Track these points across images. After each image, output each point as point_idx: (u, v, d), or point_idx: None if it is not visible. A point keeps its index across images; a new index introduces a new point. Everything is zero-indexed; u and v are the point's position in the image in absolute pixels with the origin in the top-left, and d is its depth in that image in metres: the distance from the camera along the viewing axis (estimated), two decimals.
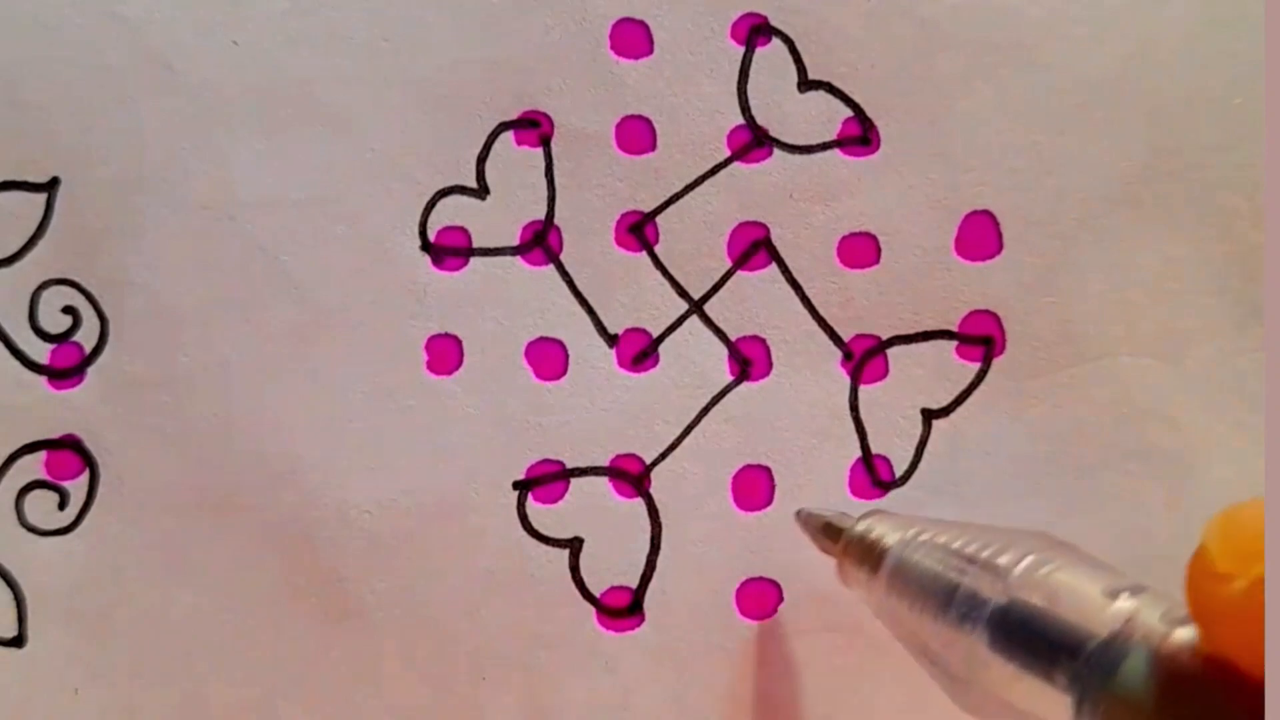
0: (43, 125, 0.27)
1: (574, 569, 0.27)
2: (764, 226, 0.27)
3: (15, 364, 0.27)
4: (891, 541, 0.22)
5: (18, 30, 0.27)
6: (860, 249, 0.27)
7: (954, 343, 0.27)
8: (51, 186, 0.27)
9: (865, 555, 0.23)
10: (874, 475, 0.27)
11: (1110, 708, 0.17)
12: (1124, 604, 0.18)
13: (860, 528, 0.23)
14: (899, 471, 0.27)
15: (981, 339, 0.27)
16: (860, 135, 0.27)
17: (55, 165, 0.27)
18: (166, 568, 0.26)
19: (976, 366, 0.27)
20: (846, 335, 0.27)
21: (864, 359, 0.27)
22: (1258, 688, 0.15)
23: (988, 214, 0.27)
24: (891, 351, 0.27)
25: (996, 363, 0.27)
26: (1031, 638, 0.19)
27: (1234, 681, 0.16)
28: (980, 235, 0.27)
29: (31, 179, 0.27)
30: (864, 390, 0.27)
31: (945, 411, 0.27)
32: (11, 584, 0.26)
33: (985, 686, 0.20)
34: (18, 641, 0.26)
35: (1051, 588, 0.19)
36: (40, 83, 0.27)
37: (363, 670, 0.26)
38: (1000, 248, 0.27)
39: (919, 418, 0.27)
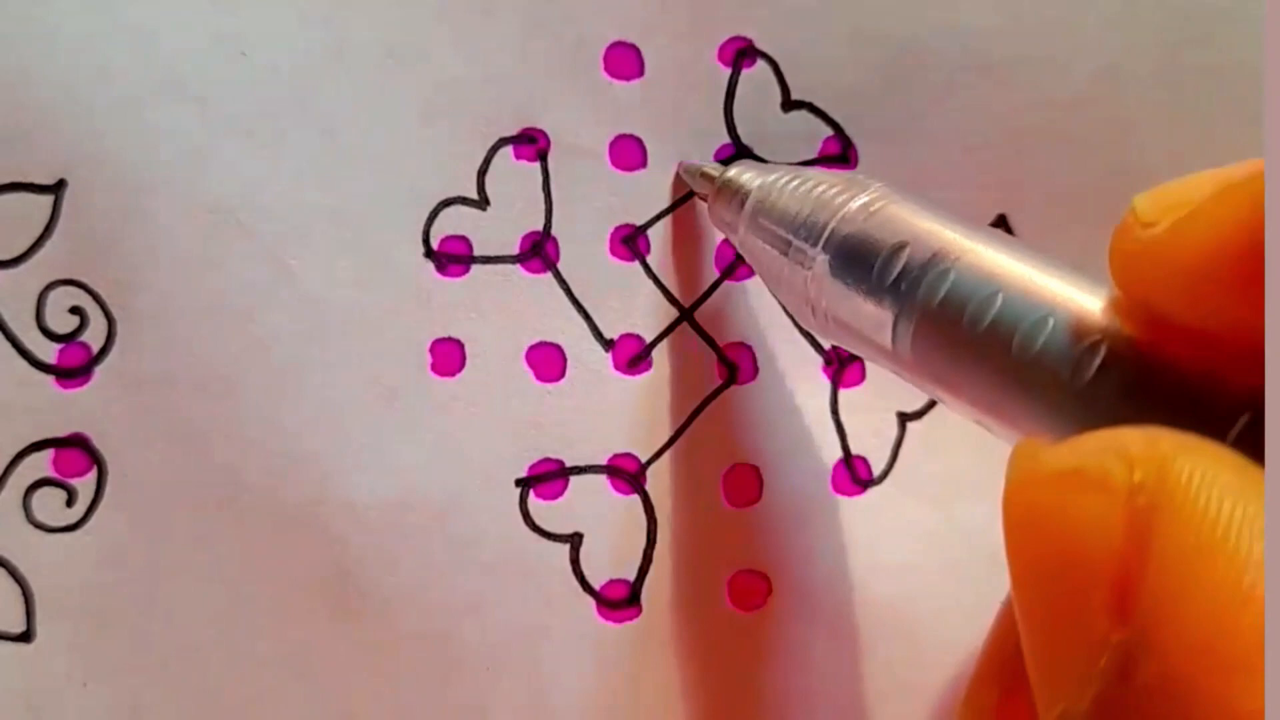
0: (50, 129, 0.27)
1: (574, 562, 0.28)
2: None
3: (23, 363, 0.27)
4: (754, 185, 0.25)
5: (25, 35, 0.27)
6: None
7: None
8: (59, 188, 0.27)
9: (732, 197, 0.26)
10: (854, 474, 0.29)
11: (922, 321, 0.20)
12: (947, 234, 0.20)
13: (730, 173, 0.26)
14: (877, 471, 0.29)
15: None
16: (839, 154, 0.29)
17: (62, 168, 0.27)
18: (173, 564, 0.27)
19: None
20: (827, 343, 0.29)
21: (843, 365, 0.29)
22: (1159, 319, 0.17)
23: None
24: None
25: None
26: (861, 262, 0.21)
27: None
28: None
29: (38, 181, 0.27)
30: (844, 394, 0.29)
31: (919, 415, 0.29)
32: (19, 580, 0.26)
33: (826, 309, 0.23)
34: (26, 637, 0.26)
35: (885, 219, 0.22)
36: (47, 87, 0.27)
37: (370, 662, 0.27)
38: None
39: (895, 420, 0.29)
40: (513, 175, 0.28)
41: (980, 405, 0.19)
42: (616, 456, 0.28)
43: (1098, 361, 0.17)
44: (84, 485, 0.27)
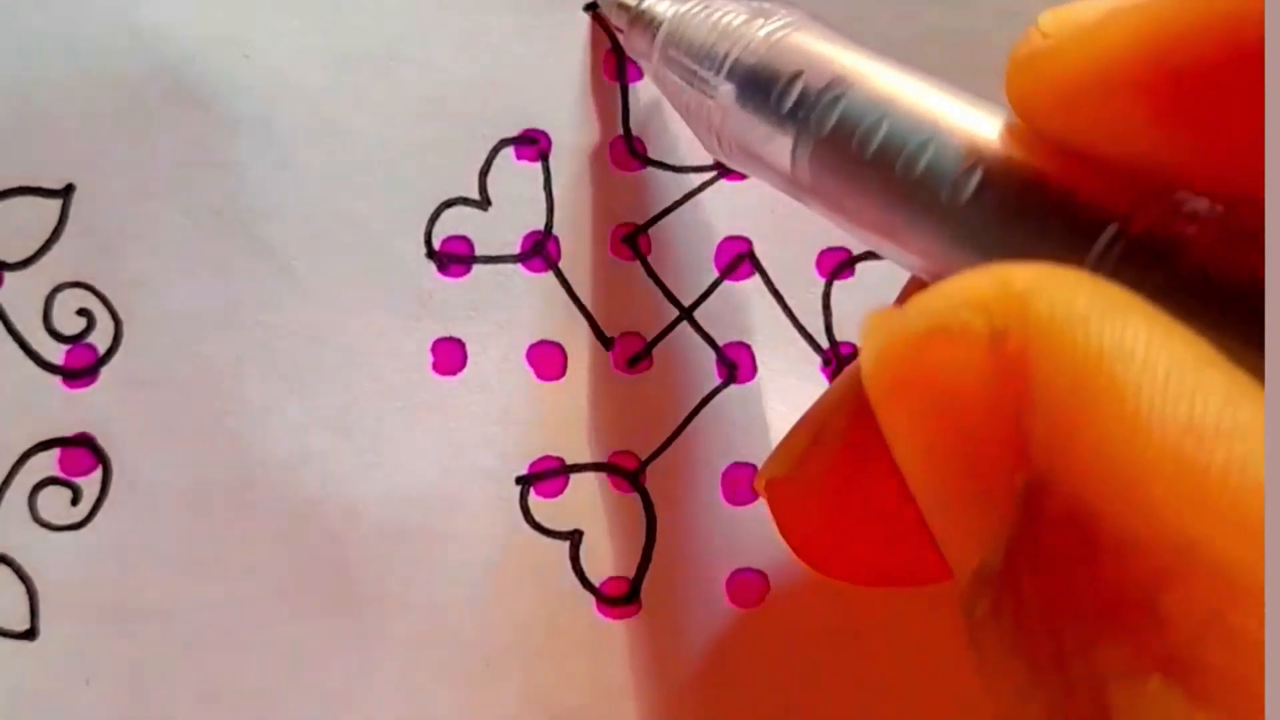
0: (56, 133, 0.27)
1: (574, 559, 0.28)
2: (747, 240, 0.29)
3: (30, 364, 0.27)
4: (667, 15, 0.25)
5: (31, 41, 0.27)
6: (837, 262, 0.29)
7: None
8: (66, 193, 0.27)
9: (646, 28, 0.26)
10: None
11: (817, 147, 0.20)
12: (843, 61, 0.21)
13: (646, 3, 0.26)
14: None
15: None
16: None
17: (69, 172, 0.27)
18: (176, 562, 0.27)
19: None
20: (824, 342, 0.29)
21: (842, 364, 0.29)
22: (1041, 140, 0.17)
23: None
24: None
25: None
26: (762, 91, 0.22)
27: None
28: None
29: (47, 185, 0.27)
30: None
31: None
32: (24, 578, 0.27)
33: (731, 137, 0.23)
34: (30, 634, 0.27)
35: (786, 47, 0.22)
36: (54, 93, 0.27)
37: (370, 660, 0.27)
38: None
39: None
40: (514, 175, 0.28)
41: (874, 228, 0.19)
42: (616, 454, 0.28)
43: (975, 182, 0.17)
44: (89, 484, 0.27)
